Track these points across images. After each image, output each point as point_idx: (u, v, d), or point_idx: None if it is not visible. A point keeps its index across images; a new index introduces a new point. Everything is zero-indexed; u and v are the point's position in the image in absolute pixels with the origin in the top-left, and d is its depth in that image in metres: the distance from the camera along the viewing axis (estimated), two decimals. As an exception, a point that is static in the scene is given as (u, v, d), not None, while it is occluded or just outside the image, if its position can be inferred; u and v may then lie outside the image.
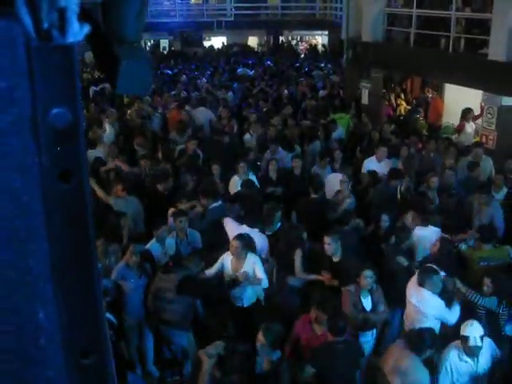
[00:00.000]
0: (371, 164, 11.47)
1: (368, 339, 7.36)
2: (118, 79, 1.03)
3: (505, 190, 10.41)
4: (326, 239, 7.89)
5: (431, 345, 6.22)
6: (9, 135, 0.81)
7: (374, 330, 7.46)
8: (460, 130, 14.35)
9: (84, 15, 0.85)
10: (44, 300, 0.88)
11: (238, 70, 24.43)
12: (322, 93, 19.66)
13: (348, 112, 16.54)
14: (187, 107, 15.66)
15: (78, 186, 0.87)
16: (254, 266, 7.69)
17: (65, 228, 0.87)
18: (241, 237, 7.70)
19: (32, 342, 0.90)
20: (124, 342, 7.61)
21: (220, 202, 9.45)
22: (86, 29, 0.84)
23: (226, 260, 7.82)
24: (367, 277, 7.15)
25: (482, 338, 6.24)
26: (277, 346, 6.03)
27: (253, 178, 10.65)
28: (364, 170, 11.46)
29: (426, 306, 7.07)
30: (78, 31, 0.82)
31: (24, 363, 0.90)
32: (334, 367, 6.20)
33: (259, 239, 8.29)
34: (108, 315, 6.67)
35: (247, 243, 7.68)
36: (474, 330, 6.25)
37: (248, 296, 7.88)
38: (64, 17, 0.81)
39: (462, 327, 6.36)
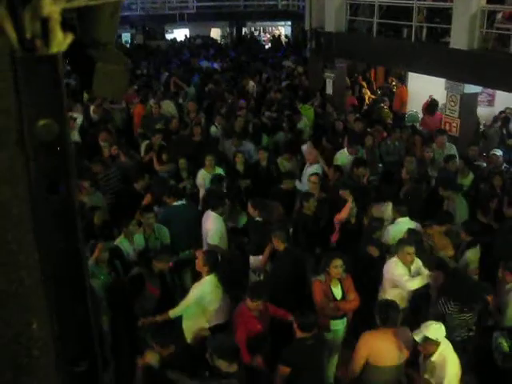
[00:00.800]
0: (343, 156, 11.49)
1: (339, 327, 7.43)
2: (94, 82, 1.02)
3: (471, 175, 10.55)
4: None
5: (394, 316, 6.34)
6: None
7: (345, 319, 7.52)
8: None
9: (64, 23, 0.84)
10: (37, 311, 0.88)
11: (202, 62, 24.30)
12: (284, 83, 19.68)
13: (312, 103, 16.61)
14: (152, 101, 15.53)
15: (66, 196, 0.87)
16: None
17: (55, 238, 0.87)
18: None
19: (25, 352, 0.89)
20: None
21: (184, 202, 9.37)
22: (70, 38, 0.83)
23: None
24: (337, 266, 7.20)
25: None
26: None
27: (220, 171, 10.65)
28: (336, 162, 11.38)
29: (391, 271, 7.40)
30: (61, 41, 0.81)
31: (17, 374, 0.89)
32: (307, 362, 6.25)
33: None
34: None
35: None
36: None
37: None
38: (47, 27, 0.80)
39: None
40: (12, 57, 0.80)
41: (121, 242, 8.35)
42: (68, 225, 0.88)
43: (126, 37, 34.72)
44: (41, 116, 0.83)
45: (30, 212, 0.84)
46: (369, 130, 13.15)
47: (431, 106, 15.51)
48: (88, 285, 0.94)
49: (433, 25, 14.24)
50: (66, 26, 0.85)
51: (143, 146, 12.46)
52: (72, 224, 0.89)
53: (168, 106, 15.44)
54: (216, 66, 23.81)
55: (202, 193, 10.53)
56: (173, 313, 7.15)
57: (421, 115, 16.42)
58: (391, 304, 6.52)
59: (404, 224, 8.56)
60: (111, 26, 1.05)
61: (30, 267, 0.86)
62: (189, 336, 7.33)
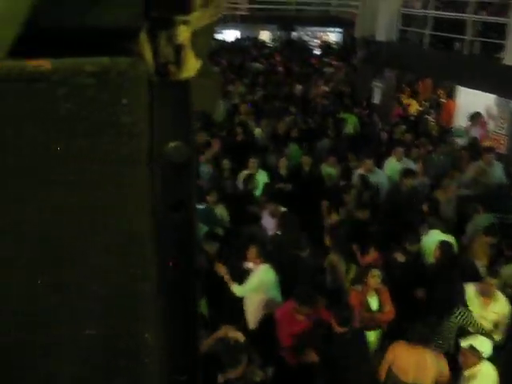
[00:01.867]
0: (391, 164, 11.45)
1: (372, 339, 7.37)
2: None
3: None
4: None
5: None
6: (128, 166, 0.85)
7: (379, 331, 7.47)
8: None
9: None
10: (150, 322, 0.93)
11: (252, 64, 24.40)
12: (325, 88, 19.59)
13: (356, 111, 16.52)
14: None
15: (187, 215, 0.92)
16: None
17: (173, 254, 0.92)
18: None
19: (138, 361, 0.94)
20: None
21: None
22: (199, 64, 0.87)
23: None
24: (375, 276, 7.17)
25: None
26: None
27: (263, 174, 10.66)
28: (385, 170, 11.39)
29: None
30: (192, 67, 0.86)
31: (131, 382, 0.95)
32: (342, 356, 6.24)
33: None
34: None
35: None
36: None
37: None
38: (180, 53, 0.85)
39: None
40: (149, 82, 0.85)
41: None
42: (187, 242, 0.94)
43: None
44: (171, 138, 0.88)
45: (153, 228, 0.89)
46: (415, 142, 13.02)
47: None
48: (198, 300, 0.99)
49: (486, 39, 14.03)
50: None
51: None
52: (191, 242, 0.95)
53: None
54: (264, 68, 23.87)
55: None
56: (237, 290, 7.37)
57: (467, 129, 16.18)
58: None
59: (437, 236, 8.52)
60: (205, 40, 1.09)
61: (148, 281, 0.91)
62: (251, 322, 7.50)
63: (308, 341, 6.54)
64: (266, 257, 7.53)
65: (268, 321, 7.20)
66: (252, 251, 7.48)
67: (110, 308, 0.90)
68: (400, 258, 8.12)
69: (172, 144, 0.87)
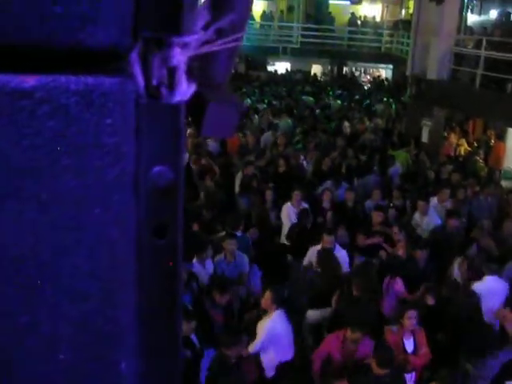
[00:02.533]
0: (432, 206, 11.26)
1: (407, 382, 7.23)
2: (204, 122, 1.05)
3: None
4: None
5: None
6: (112, 190, 0.84)
7: (414, 373, 7.32)
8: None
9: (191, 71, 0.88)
10: (127, 350, 0.91)
11: (303, 97, 24.56)
12: (373, 125, 19.58)
13: (407, 149, 16.41)
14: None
15: (171, 241, 0.89)
16: None
17: (155, 281, 0.90)
18: None
19: None
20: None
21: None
22: (193, 88, 0.86)
23: None
24: (411, 317, 7.06)
25: None
26: None
27: (305, 206, 10.66)
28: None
29: None
30: (185, 90, 0.85)
31: None
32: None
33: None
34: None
35: None
36: None
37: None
38: (173, 75, 0.83)
39: None
40: (137, 103, 0.83)
41: (194, 265, 8.41)
42: (170, 270, 0.91)
43: (228, 65, 35.42)
44: (157, 162, 0.86)
45: (134, 254, 0.87)
46: (462, 182, 12.85)
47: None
48: (180, 329, 0.97)
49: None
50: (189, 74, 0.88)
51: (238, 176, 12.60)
52: (174, 268, 0.91)
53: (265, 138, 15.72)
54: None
55: (285, 226, 10.55)
56: (251, 348, 7.18)
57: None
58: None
59: (492, 282, 8.21)
60: (227, 67, 1.07)
61: (127, 308, 0.89)
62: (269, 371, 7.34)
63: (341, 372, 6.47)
64: (280, 303, 7.35)
65: (284, 368, 7.10)
66: (267, 297, 7.32)
67: (86, 334, 0.88)
68: (430, 300, 7.97)
69: (158, 168, 0.86)
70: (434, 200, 11.35)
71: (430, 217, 10.74)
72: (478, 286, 8.12)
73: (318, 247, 8.91)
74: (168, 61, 0.82)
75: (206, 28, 0.89)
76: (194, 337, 6.81)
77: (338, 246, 9.00)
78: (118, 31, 0.82)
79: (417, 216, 10.87)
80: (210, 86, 1.07)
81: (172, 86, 0.83)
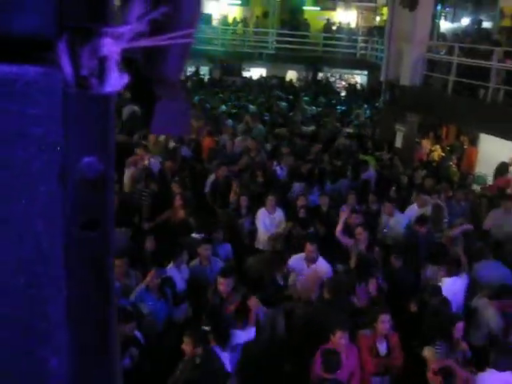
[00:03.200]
0: (412, 212, 11.39)
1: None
2: (154, 119, 1.02)
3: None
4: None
5: None
6: (38, 181, 0.81)
7: (387, 377, 7.33)
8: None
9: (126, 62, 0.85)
10: (57, 347, 0.88)
11: (277, 103, 24.60)
12: (347, 130, 19.69)
13: (380, 153, 16.55)
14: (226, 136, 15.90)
15: (102, 236, 0.87)
16: None
17: (86, 275, 0.87)
18: None
19: None
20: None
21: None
22: (126, 79, 0.84)
23: None
24: (384, 321, 7.08)
25: None
26: None
27: (280, 212, 10.66)
28: (405, 217, 11.31)
29: None
30: (116, 81, 0.82)
31: None
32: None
33: None
34: (137, 333, 6.82)
35: None
36: None
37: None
38: (104, 66, 0.81)
39: None
40: (65, 92, 0.81)
41: (170, 270, 8.40)
42: (100, 263, 0.89)
43: (203, 70, 35.44)
44: (86, 153, 0.84)
45: (62, 247, 0.84)
46: (436, 187, 12.95)
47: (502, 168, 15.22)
48: (114, 325, 0.93)
49: (510, 88, 14.00)
50: (127, 65, 0.86)
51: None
52: (104, 263, 0.89)
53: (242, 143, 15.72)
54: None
55: (259, 232, 10.55)
56: None
57: (490, 177, 16.09)
58: None
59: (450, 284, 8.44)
60: (178, 65, 1.05)
61: (56, 302, 0.86)
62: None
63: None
64: None
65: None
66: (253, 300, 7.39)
67: (11, 329, 0.86)
68: (413, 307, 8.04)
69: (87, 159, 0.84)
70: (414, 206, 11.46)
71: (396, 218, 10.92)
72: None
73: (302, 255, 8.95)
74: (98, 51, 0.80)
75: (139, 19, 0.87)
76: (139, 334, 6.81)
77: (320, 257, 9.01)
78: (42, 19, 0.79)
79: (384, 218, 11.00)
80: (162, 84, 1.05)
81: (102, 77, 0.81)
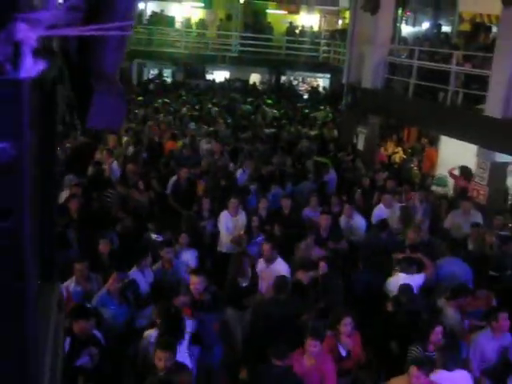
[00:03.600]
0: (381, 212, 11.59)
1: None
2: (90, 112, 1.00)
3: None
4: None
5: None
6: None
7: (350, 377, 7.37)
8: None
9: (47, 50, 0.83)
10: None
11: (239, 106, 24.65)
12: (312, 133, 19.82)
13: (342, 154, 16.73)
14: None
15: (15, 225, 0.83)
16: None
17: None
18: None
19: None
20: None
21: None
22: (42, 65, 0.81)
23: None
24: (346, 324, 7.12)
25: None
26: None
27: (243, 214, 10.67)
28: (374, 217, 11.57)
29: None
30: (31, 67, 0.80)
31: None
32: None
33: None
34: (96, 333, 6.72)
35: None
36: None
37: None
38: (19, 51, 0.79)
39: None
40: None
41: (133, 273, 8.34)
42: (13, 255, 0.85)
43: (167, 73, 35.29)
44: None
45: None
46: (397, 189, 13.09)
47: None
48: (33, 332, 0.91)
49: (469, 91, 14.22)
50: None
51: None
52: (18, 255, 0.85)
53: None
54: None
55: (222, 235, 10.54)
56: None
57: (450, 179, 16.30)
58: None
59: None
60: (115, 58, 1.03)
61: None
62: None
63: None
64: None
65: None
66: None
67: None
68: (389, 307, 8.14)
69: None
70: (381, 206, 11.61)
71: (355, 220, 11.09)
72: (391, 283, 8.77)
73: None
74: (12, 36, 0.78)
75: (59, 7, 0.85)
76: (99, 334, 6.74)
77: (279, 258, 9.06)
78: None
79: (343, 220, 11.14)
80: (98, 77, 1.03)
81: (16, 62, 0.79)
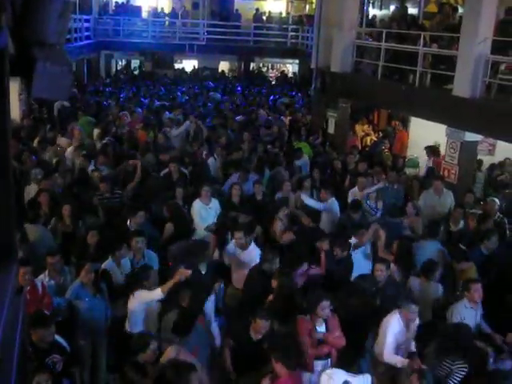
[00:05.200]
0: (355, 195, 11.67)
1: (324, 368, 7.27)
2: (33, 82, 0.97)
3: (462, 223, 10.58)
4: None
5: None
6: None
7: (329, 360, 7.39)
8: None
9: None
10: None
11: (210, 94, 24.57)
12: (284, 120, 19.83)
13: (312, 140, 16.77)
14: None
15: None
16: None
17: None
18: None
19: None
20: (77, 367, 7.34)
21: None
22: None
23: None
24: (324, 308, 7.12)
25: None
26: None
27: (216, 202, 10.64)
28: (349, 199, 11.62)
29: None
30: None
31: None
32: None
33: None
34: (59, 339, 6.55)
35: None
36: None
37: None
38: None
39: None
40: None
41: (107, 264, 8.29)
42: None
43: (135, 63, 35.05)
44: None
45: None
46: (369, 171, 13.14)
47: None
48: None
49: (437, 71, 14.30)
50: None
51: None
52: None
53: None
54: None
55: (195, 223, 10.50)
56: None
57: (421, 160, 16.41)
58: None
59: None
60: (59, 26, 1.00)
61: None
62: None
63: None
64: None
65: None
66: None
67: None
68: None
69: None
70: (355, 189, 11.72)
71: (330, 203, 11.15)
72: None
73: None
74: None
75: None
76: (60, 339, 6.60)
77: (253, 243, 9.10)
78: None
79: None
80: (41, 47, 1.00)
81: None
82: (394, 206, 11.82)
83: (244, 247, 8.99)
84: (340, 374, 6.17)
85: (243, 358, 6.94)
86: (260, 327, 6.88)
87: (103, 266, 8.27)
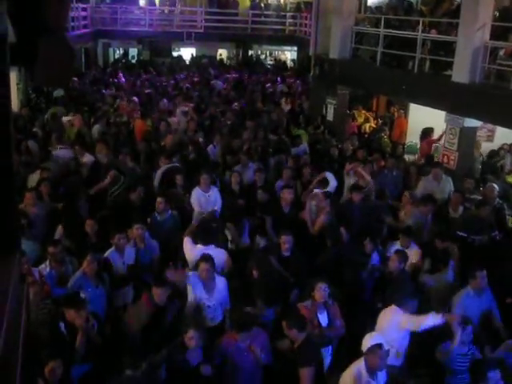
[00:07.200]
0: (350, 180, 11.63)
1: (325, 355, 7.30)
2: (36, 68, 0.96)
3: (461, 208, 10.58)
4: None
5: None
6: None
7: (330, 347, 7.42)
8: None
9: None
10: None
11: (212, 82, 24.52)
12: (284, 107, 19.81)
13: (310, 128, 16.75)
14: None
15: None
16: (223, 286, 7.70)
17: None
18: (208, 258, 7.51)
19: None
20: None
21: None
22: None
23: (197, 285, 7.58)
24: (321, 289, 7.13)
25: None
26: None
27: (215, 190, 10.62)
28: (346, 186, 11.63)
29: None
30: None
31: None
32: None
33: (216, 255, 8.06)
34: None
35: (213, 264, 7.57)
36: None
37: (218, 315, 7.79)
38: None
39: None
40: None
41: (110, 254, 8.29)
42: None
43: (132, 52, 34.91)
44: None
45: None
46: (368, 158, 13.13)
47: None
48: None
49: (436, 57, 14.26)
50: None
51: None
52: None
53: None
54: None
55: (196, 211, 10.48)
56: None
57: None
58: None
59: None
60: (61, 11, 1.00)
61: None
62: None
63: None
64: None
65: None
66: None
67: None
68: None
69: None
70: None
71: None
72: None
73: None
74: None
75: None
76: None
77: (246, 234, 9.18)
78: None
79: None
80: (45, 32, 1.00)
81: None
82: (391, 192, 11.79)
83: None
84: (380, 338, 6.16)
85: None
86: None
87: (105, 255, 8.27)
